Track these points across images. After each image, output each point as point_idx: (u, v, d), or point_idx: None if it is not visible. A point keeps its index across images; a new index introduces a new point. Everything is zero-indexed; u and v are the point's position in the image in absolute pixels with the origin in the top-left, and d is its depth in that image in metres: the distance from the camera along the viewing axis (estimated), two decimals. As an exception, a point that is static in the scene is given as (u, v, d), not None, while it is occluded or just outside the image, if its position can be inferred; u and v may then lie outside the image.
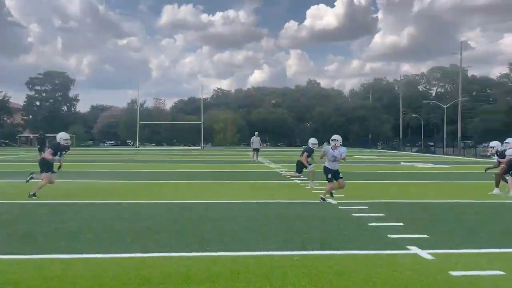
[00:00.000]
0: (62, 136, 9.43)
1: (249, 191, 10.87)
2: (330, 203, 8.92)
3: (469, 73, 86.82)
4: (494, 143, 11.41)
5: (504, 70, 78.19)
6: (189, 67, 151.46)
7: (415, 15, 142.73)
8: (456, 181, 14.50)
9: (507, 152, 10.81)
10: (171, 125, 66.36)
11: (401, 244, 5.49)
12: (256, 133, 25.43)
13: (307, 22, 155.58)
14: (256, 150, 24.18)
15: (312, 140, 12.12)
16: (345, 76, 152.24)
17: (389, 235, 5.94)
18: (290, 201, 9.17)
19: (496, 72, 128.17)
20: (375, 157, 33.00)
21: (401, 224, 6.72)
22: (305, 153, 11.84)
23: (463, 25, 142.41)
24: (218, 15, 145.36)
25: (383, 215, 7.48)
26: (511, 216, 7.97)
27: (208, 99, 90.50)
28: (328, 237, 5.88)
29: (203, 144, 55.84)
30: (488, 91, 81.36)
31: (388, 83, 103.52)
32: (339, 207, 8.40)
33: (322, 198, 9.18)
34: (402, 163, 24.28)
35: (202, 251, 5.09)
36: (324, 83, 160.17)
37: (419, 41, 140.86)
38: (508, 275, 4.30)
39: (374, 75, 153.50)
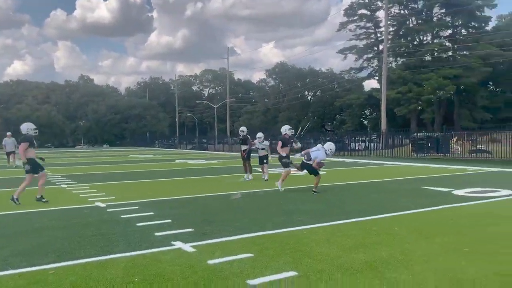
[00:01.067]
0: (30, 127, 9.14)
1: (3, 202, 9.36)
2: (98, 206, 8.49)
3: (236, 77, 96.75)
4: (243, 128, 13.74)
5: (263, 75, 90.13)
6: None
7: (188, 18, 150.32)
8: (221, 174, 15.86)
9: (259, 146, 13.47)
10: None
11: (166, 240, 5.62)
12: (9, 133, 21.78)
13: (77, 13, 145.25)
14: (11, 152, 20.93)
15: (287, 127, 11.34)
16: (121, 73, 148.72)
17: (156, 233, 6.01)
18: (53, 209, 8.31)
19: (256, 77, 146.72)
20: (151, 155, 33.29)
21: (169, 220, 6.91)
22: (279, 142, 11.00)
23: (230, 32, 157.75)
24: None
25: (153, 213, 7.54)
26: (261, 203, 9.14)
27: (-50, 93, 74.73)
28: (92, 243, 5.55)
29: None
30: (251, 93, 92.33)
31: (164, 82, 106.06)
32: (108, 209, 8.07)
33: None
34: (177, 161, 25.22)
35: None
36: (98, 79, 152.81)
37: (192, 43, 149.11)
38: (255, 256, 4.89)
39: (151, 73, 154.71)
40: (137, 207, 8.18)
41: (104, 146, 68.16)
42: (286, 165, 10.71)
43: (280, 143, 10.87)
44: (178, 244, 5.41)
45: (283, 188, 10.42)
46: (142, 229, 6.35)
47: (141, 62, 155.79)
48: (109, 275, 4.27)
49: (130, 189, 11.36)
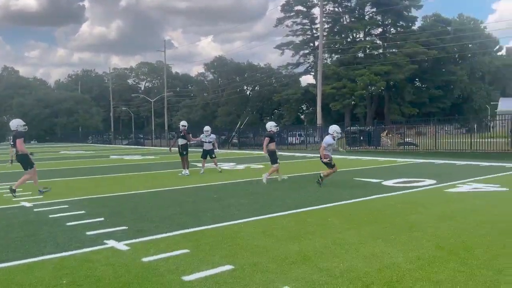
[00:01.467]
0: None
1: None
2: (24, 206, 7.98)
3: (173, 70, 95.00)
4: (184, 123, 13.82)
5: (201, 69, 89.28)
6: None
7: (123, 8, 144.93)
8: (158, 170, 15.54)
9: (205, 139, 13.93)
10: None
11: (98, 239, 5.41)
12: None
13: (0, 1, 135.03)
14: None
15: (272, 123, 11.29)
16: (50, 65, 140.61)
17: (87, 233, 5.76)
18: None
19: (195, 70, 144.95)
20: (83, 151, 31.87)
21: (102, 219, 6.65)
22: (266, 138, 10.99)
23: (167, 24, 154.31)
24: None
25: (84, 212, 7.23)
26: (198, 198, 9.07)
27: None
28: (17, 245, 5.20)
29: None
30: (189, 87, 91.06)
31: (98, 75, 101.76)
32: (35, 209, 7.61)
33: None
34: (112, 157, 24.33)
35: None
36: (24, 71, 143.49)
37: (127, 35, 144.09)
38: (191, 251, 4.85)
39: (83, 65, 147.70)
40: (66, 206, 7.79)
41: (32, 142, 64.10)
42: (275, 161, 10.94)
43: (267, 139, 11.01)
44: (111, 243, 5.23)
45: (280, 178, 11.08)
46: (72, 229, 6.06)
47: (72, 54, 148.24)
48: (35, 279, 4.03)
49: (60, 187, 10.78)
